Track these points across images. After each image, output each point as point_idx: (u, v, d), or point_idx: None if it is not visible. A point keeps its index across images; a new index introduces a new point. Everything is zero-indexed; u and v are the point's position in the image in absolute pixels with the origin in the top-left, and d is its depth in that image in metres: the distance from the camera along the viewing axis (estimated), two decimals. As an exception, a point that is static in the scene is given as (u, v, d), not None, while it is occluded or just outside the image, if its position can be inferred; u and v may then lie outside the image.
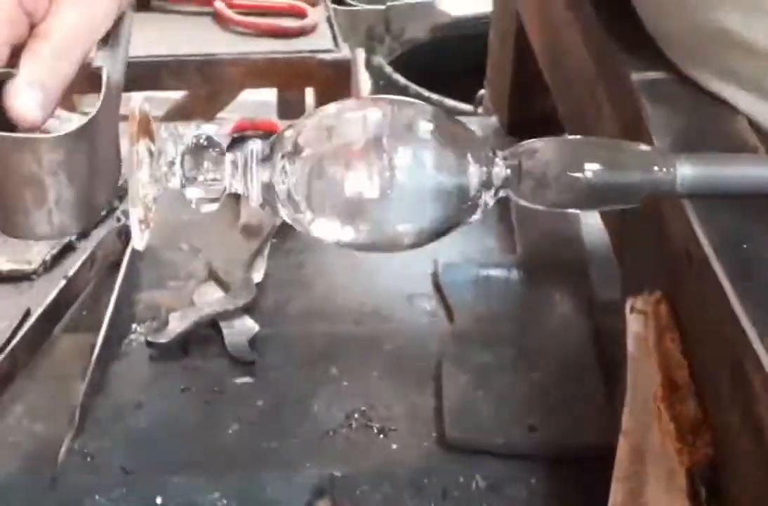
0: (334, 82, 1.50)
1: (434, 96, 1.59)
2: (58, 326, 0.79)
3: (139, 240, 0.57)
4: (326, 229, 0.57)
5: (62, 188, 0.55)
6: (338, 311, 0.84)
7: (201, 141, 0.57)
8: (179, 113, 1.75)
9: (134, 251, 0.85)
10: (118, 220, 0.87)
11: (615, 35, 0.69)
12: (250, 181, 0.57)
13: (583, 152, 0.57)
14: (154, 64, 1.44)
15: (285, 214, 0.58)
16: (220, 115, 1.85)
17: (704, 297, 0.52)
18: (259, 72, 1.49)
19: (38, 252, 0.84)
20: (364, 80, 1.79)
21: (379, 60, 1.70)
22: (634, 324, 0.57)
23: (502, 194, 0.58)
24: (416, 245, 0.59)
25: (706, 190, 0.56)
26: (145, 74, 1.40)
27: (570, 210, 0.59)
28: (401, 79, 1.64)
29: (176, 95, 2.04)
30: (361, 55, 1.80)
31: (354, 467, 0.70)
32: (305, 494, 0.69)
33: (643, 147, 0.57)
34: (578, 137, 0.60)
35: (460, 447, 0.71)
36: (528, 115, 1.05)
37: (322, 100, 1.74)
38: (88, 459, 0.69)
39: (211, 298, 0.82)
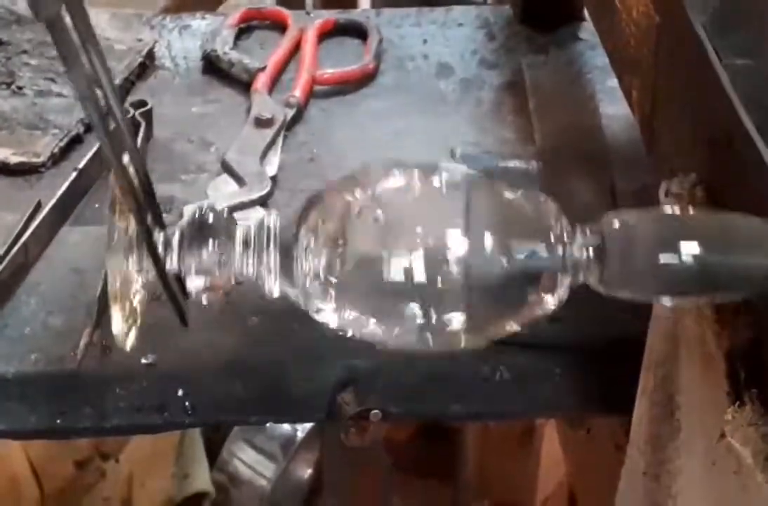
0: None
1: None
2: (68, 220, 0.78)
3: (123, 338, 0.46)
4: (360, 323, 0.48)
5: None
6: (354, 204, 0.82)
7: (204, 217, 0.48)
8: (179, 9, 1.71)
9: (144, 145, 0.83)
10: (127, 112, 0.84)
11: None
12: (267, 264, 0.48)
13: (681, 227, 0.46)
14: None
15: (307, 304, 0.49)
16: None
17: (743, 177, 0.51)
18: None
19: (46, 145, 0.82)
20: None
21: (384, -48, 1.65)
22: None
23: (581, 280, 0.48)
24: (467, 344, 0.49)
25: None
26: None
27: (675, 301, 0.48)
28: (406, -29, 1.60)
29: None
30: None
31: (377, 359, 0.69)
32: (329, 386, 0.68)
33: (760, 221, 0.45)
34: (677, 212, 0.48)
35: (484, 338, 0.70)
36: (542, 2, 1.02)
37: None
38: (108, 352, 0.68)
39: (225, 191, 0.80)
